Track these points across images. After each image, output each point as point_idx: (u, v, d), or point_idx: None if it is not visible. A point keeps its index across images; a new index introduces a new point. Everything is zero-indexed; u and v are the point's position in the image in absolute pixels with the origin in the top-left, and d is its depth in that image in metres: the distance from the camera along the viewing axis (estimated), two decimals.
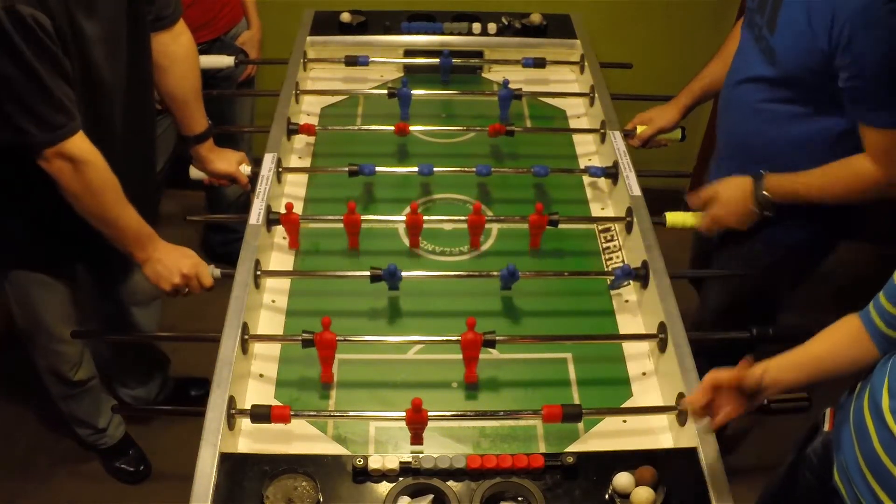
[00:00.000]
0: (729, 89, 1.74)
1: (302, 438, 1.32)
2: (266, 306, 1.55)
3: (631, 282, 1.59)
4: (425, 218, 1.65)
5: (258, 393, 1.40)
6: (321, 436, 1.34)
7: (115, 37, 1.52)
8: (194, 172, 1.93)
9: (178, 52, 1.72)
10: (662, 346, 1.43)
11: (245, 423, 1.31)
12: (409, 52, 2.21)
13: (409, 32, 2.21)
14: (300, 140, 1.95)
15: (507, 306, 1.59)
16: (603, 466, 1.21)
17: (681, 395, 1.32)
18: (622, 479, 1.18)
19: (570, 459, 1.20)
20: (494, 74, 2.22)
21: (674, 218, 1.69)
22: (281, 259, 1.66)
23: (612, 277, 1.56)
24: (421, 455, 1.20)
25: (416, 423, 1.26)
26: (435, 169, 1.77)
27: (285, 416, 1.27)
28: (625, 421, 1.38)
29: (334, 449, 1.31)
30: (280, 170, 1.77)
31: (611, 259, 1.70)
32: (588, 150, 1.98)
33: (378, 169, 1.76)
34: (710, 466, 1.21)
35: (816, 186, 1.57)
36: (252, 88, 2.56)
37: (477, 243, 1.70)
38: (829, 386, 1.67)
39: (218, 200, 2.68)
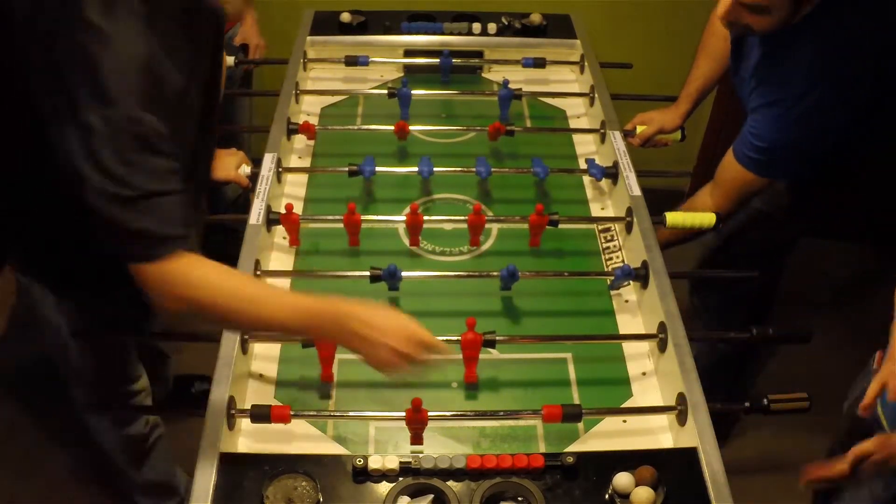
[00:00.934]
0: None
1: (302, 438, 1.32)
2: None
3: (631, 282, 1.59)
4: (425, 218, 1.65)
5: (258, 393, 1.40)
6: (321, 436, 1.33)
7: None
8: None
9: None
10: (662, 346, 1.43)
11: (245, 423, 1.31)
12: (409, 52, 2.21)
13: (409, 32, 2.21)
14: (300, 140, 1.95)
15: (507, 306, 1.59)
16: (603, 466, 1.21)
17: (681, 396, 1.32)
18: (622, 479, 1.18)
19: (570, 459, 1.20)
20: (494, 74, 2.22)
21: (674, 218, 1.69)
22: (281, 259, 1.66)
23: (612, 277, 1.56)
24: (421, 455, 1.20)
25: (416, 423, 1.26)
26: (435, 169, 1.77)
27: (285, 416, 1.27)
28: (625, 421, 1.38)
29: (334, 449, 1.31)
30: (280, 170, 1.77)
31: (611, 259, 1.70)
32: (588, 150, 1.98)
33: (378, 169, 1.76)
34: (710, 466, 1.21)
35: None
36: (249, 88, 2.56)
37: (477, 243, 1.70)
38: (829, 387, 1.68)
39: (217, 201, 2.68)
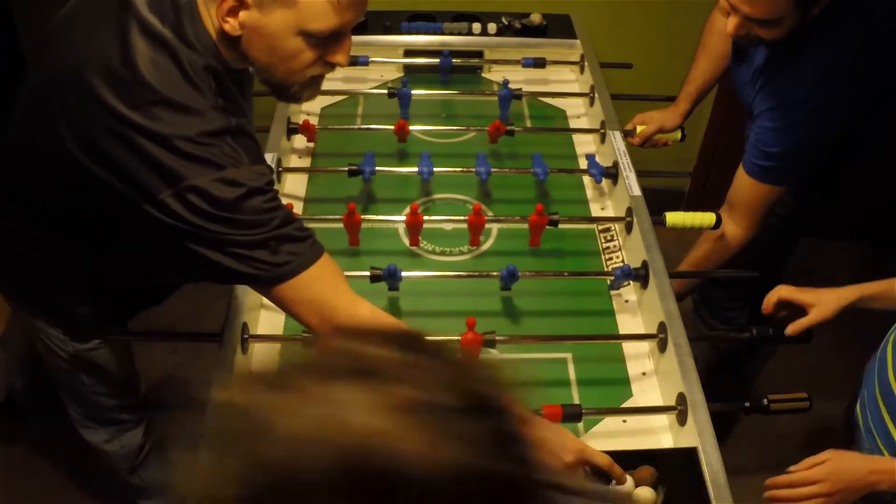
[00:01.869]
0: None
1: None
2: (266, 306, 1.55)
3: (631, 282, 1.59)
4: (425, 218, 1.65)
5: None
6: None
7: None
8: None
9: None
10: (662, 346, 1.43)
11: None
12: (409, 52, 2.20)
13: (409, 32, 2.21)
14: (300, 140, 1.95)
15: (507, 306, 1.59)
16: None
17: (681, 396, 1.32)
18: None
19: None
20: (494, 74, 2.22)
21: (674, 218, 1.69)
22: None
23: (612, 277, 1.56)
24: None
25: None
26: (435, 169, 1.77)
27: None
28: (625, 421, 1.38)
29: None
30: (280, 170, 1.77)
31: (611, 259, 1.70)
32: (588, 151, 1.98)
33: (378, 169, 1.76)
34: (710, 466, 1.21)
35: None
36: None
37: (477, 243, 1.70)
38: (829, 387, 1.68)
39: None
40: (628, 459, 1.21)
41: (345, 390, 0.56)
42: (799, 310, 1.44)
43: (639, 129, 2.01)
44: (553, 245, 1.70)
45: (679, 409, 1.31)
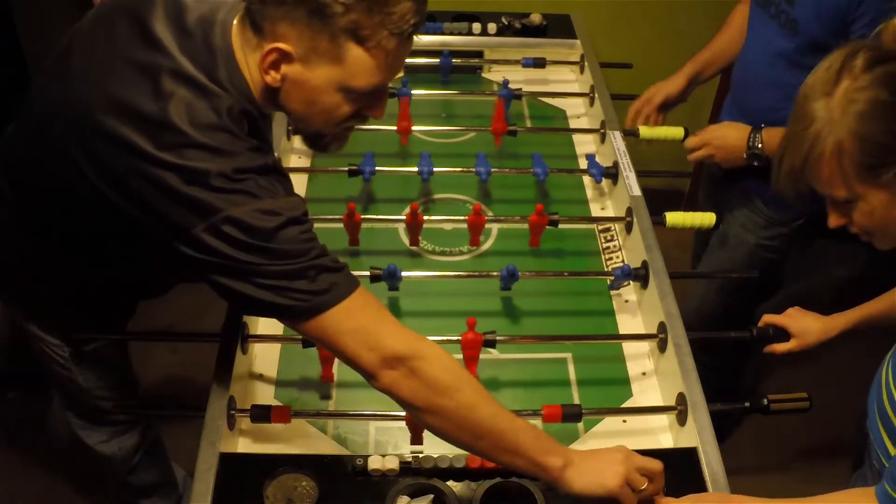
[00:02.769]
0: (745, 69, 1.76)
1: (302, 438, 1.32)
2: None
3: (631, 282, 1.59)
4: (425, 218, 1.65)
5: (258, 393, 1.40)
6: (321, 436, 1.33)
7: None
8: None
9: None
10: (662, 346, 1.43)
11: (245, 422, 1.30)
12: (409, 52, 2.20)
13: None
14: (300, 140, 1.94)
15: (507, 306, 1.59)
16: None
17: (681, 396, 1.32)
18: None
19: None
20: (494, 74, 2.22)
21: (674, 218, 1.69)
22: None
23: (612, 277, 1.56)
24: (421, 455, 1.20)
25: (417, 423, 1.26)
26: (435, 169, 1.77)
27: (285, 416, 1.27)
28: (625, 421, 1.38)
29: (334, 449, 1.31)
30: None
31: (611, 259, 1.70)
32: (588, 151, 1.98)
33: (378, 169, 1.76)
34: (710, 466, 1.21)
35: None
36: None
37: (477, 243, 1.70)
38: (829, 386, 1.68)
39: None
40: None
41: None
42: (784, 333, 1.51)
43: (642, 130, 1.99)
44: (553, 245, 1.70)
45: (679, 410, 1.31)
